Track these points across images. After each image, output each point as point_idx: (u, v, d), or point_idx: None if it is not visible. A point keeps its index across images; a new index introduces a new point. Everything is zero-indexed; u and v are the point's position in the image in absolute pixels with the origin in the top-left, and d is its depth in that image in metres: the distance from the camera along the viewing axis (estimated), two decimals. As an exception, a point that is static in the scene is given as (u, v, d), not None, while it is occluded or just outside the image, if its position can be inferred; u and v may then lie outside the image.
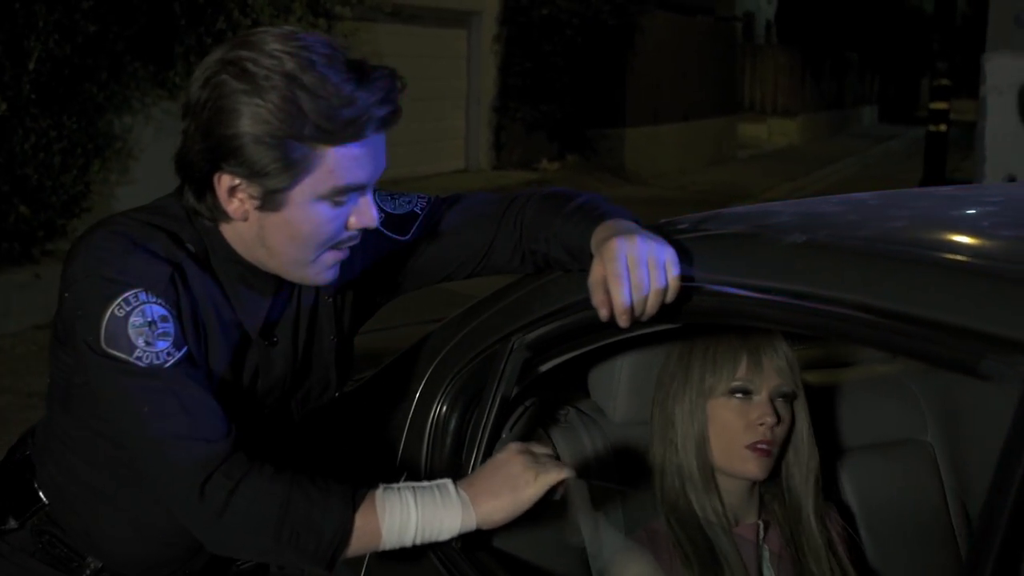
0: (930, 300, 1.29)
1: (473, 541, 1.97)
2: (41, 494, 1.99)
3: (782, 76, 27.57)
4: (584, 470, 2.16)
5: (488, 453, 1.99)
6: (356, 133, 1.63)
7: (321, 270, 1.75)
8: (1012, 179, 7.77)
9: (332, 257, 1.75)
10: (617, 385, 2.17)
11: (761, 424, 1.94)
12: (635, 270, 1.63)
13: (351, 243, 1.76)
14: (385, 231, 1.95)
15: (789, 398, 1.99)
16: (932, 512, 2.39)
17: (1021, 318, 1.19)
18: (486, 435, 1.98)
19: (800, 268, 1.49)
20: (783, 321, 1.52)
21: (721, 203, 14.34)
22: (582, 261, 1.81)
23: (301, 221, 1.68)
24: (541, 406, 2.22)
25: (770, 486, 2.06)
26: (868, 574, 2.22)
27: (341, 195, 1.68)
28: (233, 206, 1.68)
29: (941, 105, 16.07)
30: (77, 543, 1.97)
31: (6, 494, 2.02)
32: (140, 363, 1.64)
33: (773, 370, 1.97)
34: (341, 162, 1.64)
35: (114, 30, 8.27)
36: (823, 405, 2.36)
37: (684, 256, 1.70)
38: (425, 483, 1.73)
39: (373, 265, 1.97)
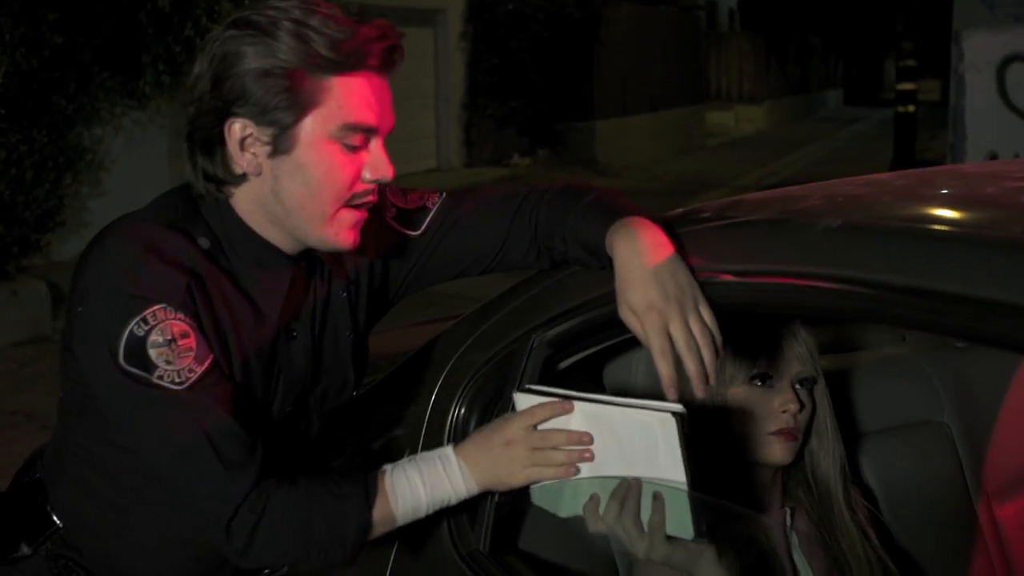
0: (979, 279, 1.26)
1: (501, 545, 1.94)
2: (55, 517, 1.93)
3: (747, 63, 27.65)
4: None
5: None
6: (359, 61, 1.65)
7: (340, 229, 1.72)
8: (994, 156, 7.82)
9: (350, 215, 1.72)
10: (634, 380, 2.14)
11: (784, 411, 1.92)
12: (676, 333, 1.60)
13: (367, 200, 1.73)
14: (396, 225, 1.94)
15: (810, 383, 1.98)
16: (952, 492, 2.39)
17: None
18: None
19: (837, 252, 1.46)
20: (824, 308, 1.49)
21: (695, 192, 14.34)
22: (601, 259, 1.78)
23: (314, 163, 1.67)
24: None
25: (794, 473, 2.05)
26: (894, 555, 2.21)
27: (351, 134, 1.67)
28: (246, 159, 1.68)
29: (908, 86, 16.11)
30: (96, 566, 1.92)
31: (17, 520, 1.96)
32: (162, 383, 1.61)
33: (793, 357, 1.96)
34: (347, 95, 1.65)
35: (81, 41, 8.18)
36: (838, 389, 2.34)
37: (711, 246, 1.67)
38: (427, 455, 1.76)
39: (384, 260, 1.95)
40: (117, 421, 1.71)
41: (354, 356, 1.93)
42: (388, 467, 1.75)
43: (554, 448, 1.72)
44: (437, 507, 1.76)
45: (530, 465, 1.73)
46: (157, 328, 1.61)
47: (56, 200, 8.14)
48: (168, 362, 1.61)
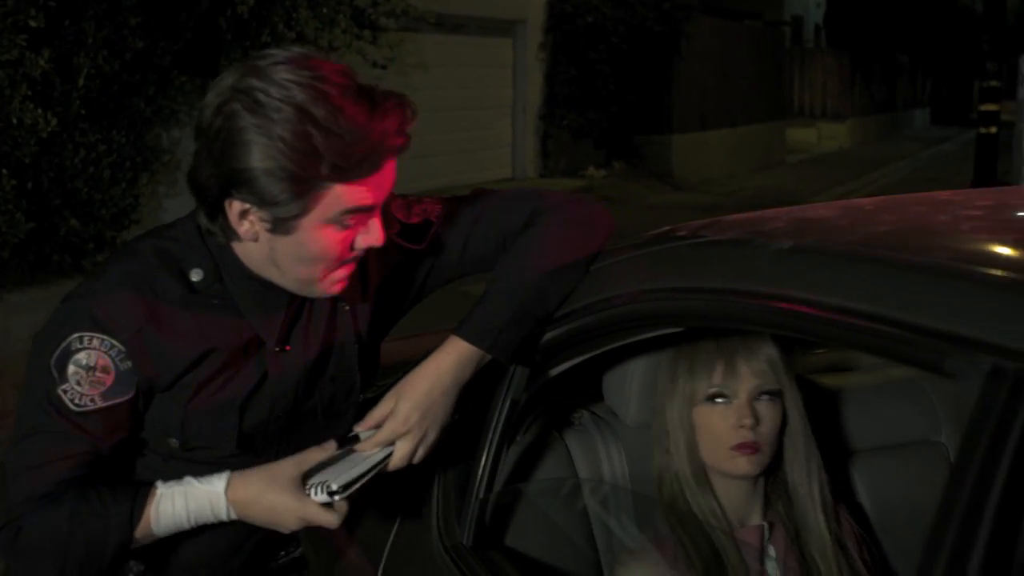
0: (900, 301, 1.34)
1: (484, 540, 2.04)
2: None
3: (831, 80, 27.42)
4: (597, 472, 2.22)
5: (498, 454, 2.05)
6: (370, 169, 1.69)
7: (330, 285, 1.82)
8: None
9: (341, 273, 1.81)
10: (629, 388, 2.21)
11: (741, 426, 1.98)
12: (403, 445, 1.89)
13: (358, 258, 1.82)
14: (400, 241, 2.00)
15: (775, 395, 2.02)
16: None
17: (978, 317, 1.23)
18: (495, 439, 2.03)
19: (784, 272, 1.54)
20: (770, 324, 1.57)
21: (770, 208, 14.26)
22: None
23: (310, 243, 1.74)
24: (555, 410, 2.28)
25: (776, 486, 2.10)
26: (883, 572, 2.25)
27: (349, 217, 1.73)
28: (244, 228, 1.74)
29: (991, 107, 15.92)
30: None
31: None
32: (63, 396, 1.78)
33: (750, 372, 2.01)
34: (351, 191, 1.70)
35: (161, 45, 8.42)
36: (839, 408, 2.40)
37: (684, 261, 1.76)
38: (200, 489, 1.84)
39: (391, 273, 2.02)
40: (22, 396, 1.85)
41: (361, 365, 2.02)
42: (160, 488, 1.84)
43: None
44: (202, 524, 1.87)
45: (298, 521, 1.83)
46: (87, 352, 1.77)
47: (132, 199, 8.38)
48: (78, 383, 1.77)
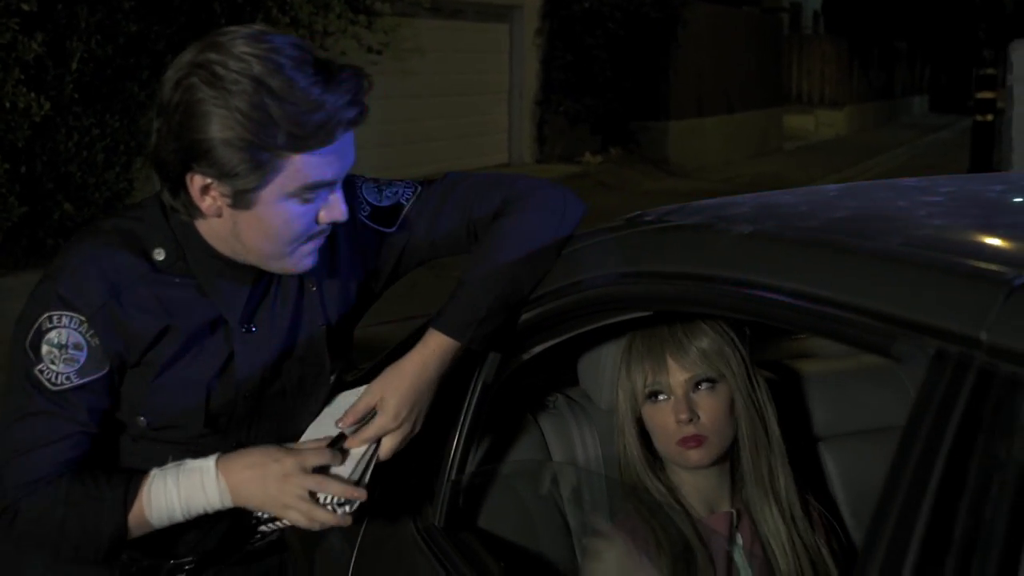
0: (851, 286, 1.36)
1: (457, 522, 2.06)
2: None
3: (829, 66, 27.42)
4: (571, 455, 2.24)
5: (471, 436, 2.07)
6: (326, 138, 1.70)
7: (298, 260, 1.83)
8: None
9: (308, 247, 1.83)
10: (603, 372, 2.23)
11: (679, 421, 2.00)
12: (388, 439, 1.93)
13: (324, 234, 1.84)
14: (371, 223, 2.02)
15: (713, 384, 2.03)
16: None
17: (924, 301, 1.25)
18: (468, 422, 2.05)
19: (743, 257, 1.56)
20: (729, 308, 1.59)
21: (763, 195, 14.27)
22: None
23: (272, 217, 1.76)
24: (529, 393, 2.30)
25: (741, 472, 2.11)
26: (853, 559, 2.27)
27: (309, 192, 1.75)
28: (206, 204, 1.76)
29: (987, 94, 15.92)
30: None
31: None
32: (40, 376, 1.81)
33: (679, 367, 2.02)
34: (309, 163, 1.71)
35: (155, 29, 8.43)
36: (813, 393, 2.41)
37: (649, 245, 1.78)
38: (191, 465, 1.86)
39: (362, 256, 2.03)
40: (7, 380, 1.89)
41: (330, 346, 2.03)
42: (154, 472, 1.86)
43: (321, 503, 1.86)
44: (193, 514, 1.87)
45: (295, 506, 1.84)
46: (58, 330, 1.80)
47: (126, 183, 8.40)
48: (52, 362, 1.81)
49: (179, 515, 1.87)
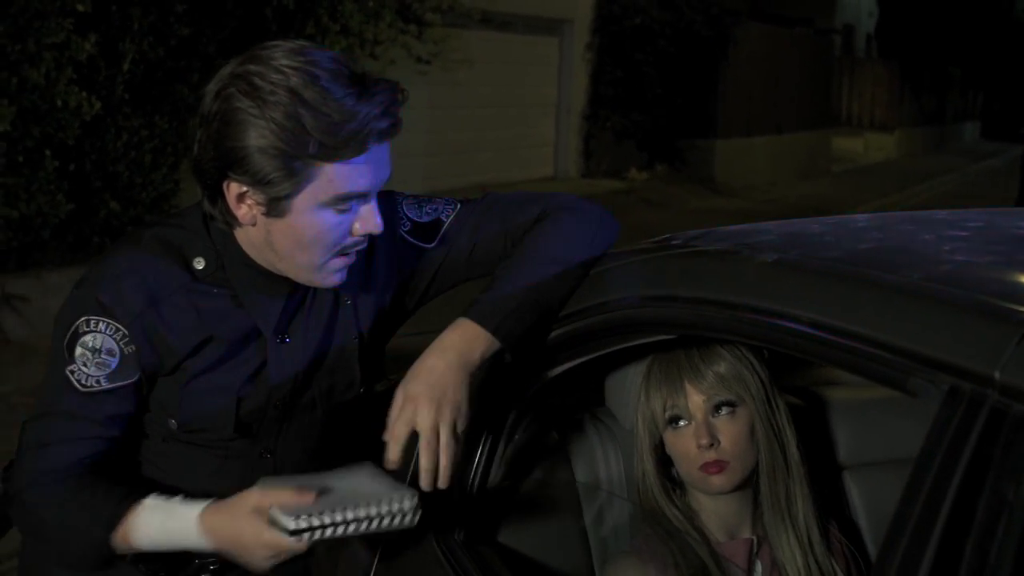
0: (869, 318, 1.36)
1: (477, 536, 2.07)
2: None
3: (880, 89, 27.27)
4: (594, 474, 2.25)
5: (492, 454, 2.08)
6: (358, 148, 1.73)
7: (329, 274, 1.85)
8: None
9: (340, 262, 1.84)
10: (628, 392, 2.23)
11: (699, 447, 2.00)
12: (422, 427, 1.82)
13: (358, 247, 1.85)
14: (411, 239, 2.04)
15: (733, 406, 2.02)
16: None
17: (940, 337, 1.25)
18: (491, 436, 2.07)
19: (764, 285, 1.57)
20: (749, 335, 1.60)
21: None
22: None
23: (305, 227, 1.78)
24: (555, 411, 2.31)
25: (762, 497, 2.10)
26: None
27: (343, 202, 1.77)
28: (241, 211, 1.79)
29: (1039, 123, 15.77)
30: None
31: None
32: (71, 376, 1.87)
33: (697, 391, 2.01)
34: (342, 173, 1.74)
35: (207, 33, 8.52)
36: (838, 421, 2.40)
37: (675, 270, 1.79)
38: (180, 511, 1.86)
39: (399, 271, 2.05)
40: (46, 372, 1.95)
41: (361, 358, 2.05)
42: (150, 501, 1.88)
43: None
44: (174, 549, 1.89)
45: (264, 547, 1.78)
46: (93, 335, 1.86)
47: (172, 184, 8.48)
48: (85, 364, 1.86)
49: (164, 548, 1.90)
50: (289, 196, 1.75)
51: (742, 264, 1.66)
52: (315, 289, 1.96)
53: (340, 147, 1.71)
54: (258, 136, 1.70)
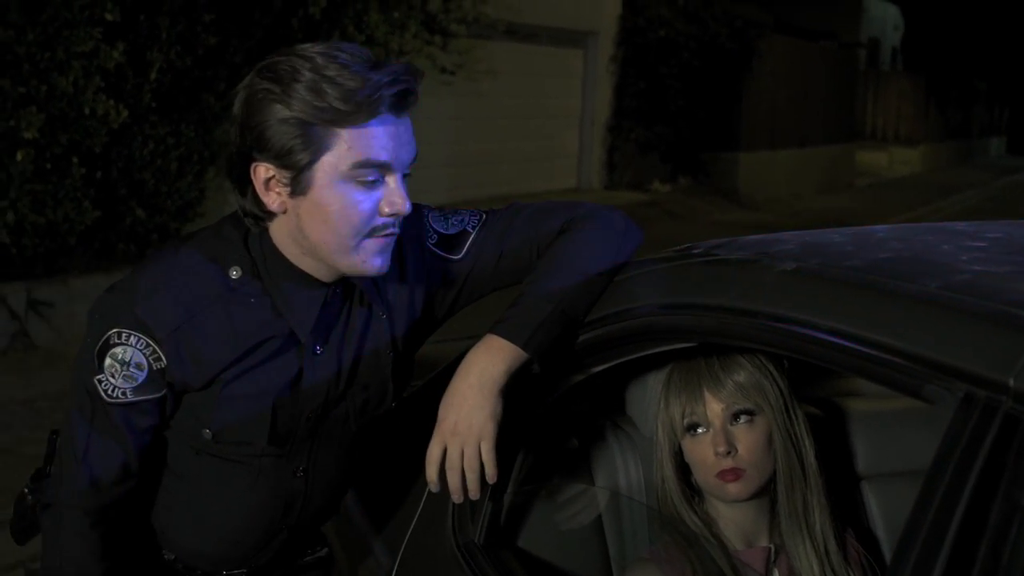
0: (886, 326, 1.38)
1: (496, 539, 2.09)
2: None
3: (905, 103, 27.20)
4: (613, 481, 2.27)
5: (512, 459, 2.10)
6: (370, 111, 1.74)
7: (366, 257, 1.84)
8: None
9: (374, 244, 1.83)
10: (649, 400, 2.25)
11: (717, 454, 2.01)
12: (450, 450, 1.91)
13: (389, 231, 1.84)
14: (438, 251, 2.06)
15: (752, 417, 2.03)
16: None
17: (956, 345, 1.27)
18: (512, 440, 2.08)
19: (784, 293, 1.59)
20: (768, 343, 1.62)
21: (832, 230, 14.18)
22: None
23: (330, 201, 1.79)
24: (577, 417, 2.33)
25: (779, 507, 2.11)
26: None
27: (363, 172, 1.78)
28: (270, 198, 1.81)
29: (1065, 138, 15.72)
30: (164, 542, 2.15)
31: None
32: (98, 385, 1.90)
33: (716, 399, 2.02)
34: (358, 138, 1.76)
35: (234, 43, 8.59)
36: (858, 432, 2.41)
37: (695, 278, 1.81)
38: None
39: (427, 284, 2.06)
40: (73, 376, 1.98)
41: (394, 373, 2.07)
42: None
43: None
44: None
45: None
46: (124, 347, 1.87)
47: (198, 192, 8.55)
48: (112, 375, 1.88)
49: None
50: (310, 165, 1.76)
51: (762, 272, 1.68)
52: (351, 301, 1.97)
53: (353, 112, 1.73)
54: (276, 108, 1.74)
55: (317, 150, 1.76)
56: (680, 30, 16.00)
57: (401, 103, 1.78)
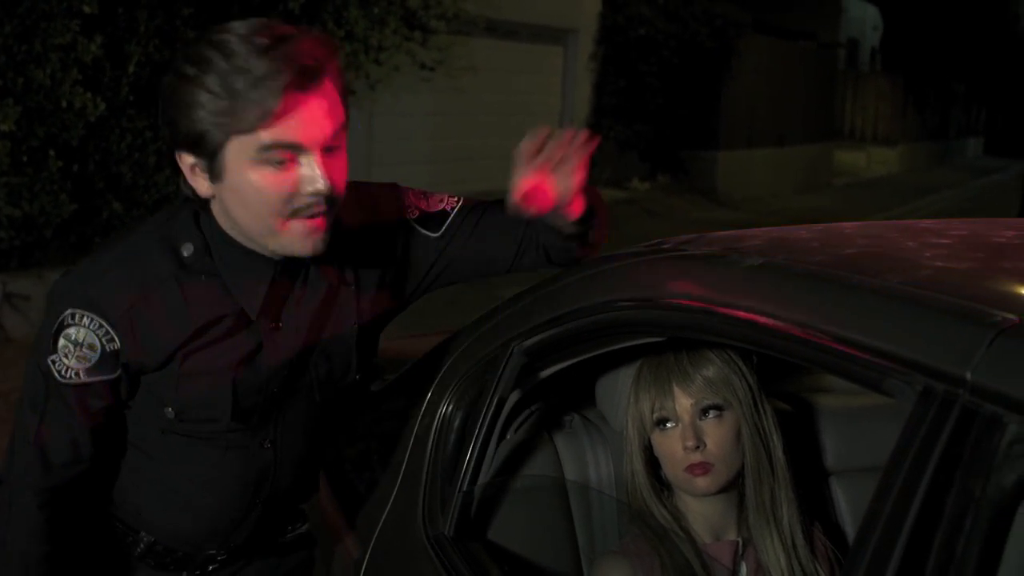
0: (848, 320, 1.40)
1: (466, 532, 2.11)
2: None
3: (884, 104, 27.32)
4: (583, 474, 2.28)
5: (483, 451, 2.11)
6: (272, 92, 1.71)
7: (294, 238, 1.84)
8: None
9: (300, 225, 1.83)
10: (619, 394, 2.26)
11: (686, 448, 2.03)
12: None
13: (314, 211, 1.82)
14: (418, 227, 2.10)
15: (720, 410, 2.05)
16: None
17: (915, 339, 1.29)
18: (482, 435, 2.09)
19: (750, 288, 1.61)
20: (735, 337, 1.63)
21: (809, 229, 14.24)
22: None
23: (245, 185, 1.78)
24: (547, 411, 2.34)
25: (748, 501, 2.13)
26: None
27: (272, 153, 1.76)
28: (198, 184, 1.82)
29: (1040, 139, 15.82)
30: (130, 520, 2.14)
31: None
32: (51, 366, 1.91)
33: (685, 394, 2.04)
34: (262, 121, 1.73)
35: (212, 37, 8.55)
36: (827, 427, 2.43)
37: (664, 273, 1.83)
38: None
39: (402, 257, 2.09)
40: (28, 358, 1.99)
41: (359, 344, 2.08)
42: None
43: None
44: None
45: None
46: (77, 328, 1.88)
47: (175, 186, 8.42)
48: (66, 356, 1.89)
49: None
50: (220, 151, 1.76)
51: (729, 267, 1.69)
52: (307, 274, 1.98)
53: (249, 89, 1.71)
54: (188, 92, 1.74)
55: (225, 135, 1.75)
56: (660, 29, 16.04)
57: (304, 80, 1.74)
